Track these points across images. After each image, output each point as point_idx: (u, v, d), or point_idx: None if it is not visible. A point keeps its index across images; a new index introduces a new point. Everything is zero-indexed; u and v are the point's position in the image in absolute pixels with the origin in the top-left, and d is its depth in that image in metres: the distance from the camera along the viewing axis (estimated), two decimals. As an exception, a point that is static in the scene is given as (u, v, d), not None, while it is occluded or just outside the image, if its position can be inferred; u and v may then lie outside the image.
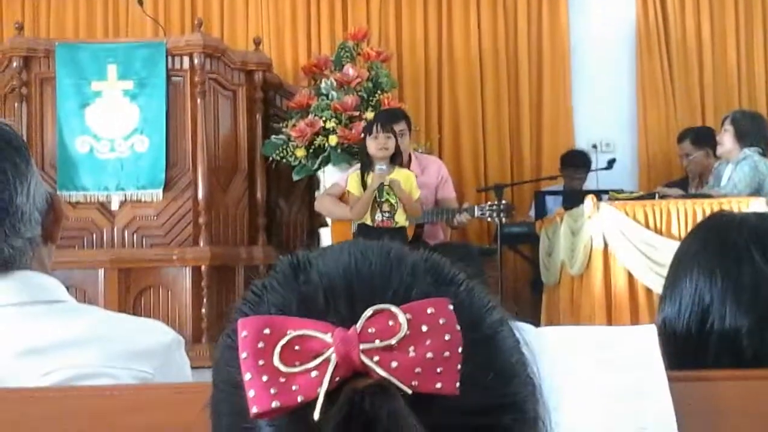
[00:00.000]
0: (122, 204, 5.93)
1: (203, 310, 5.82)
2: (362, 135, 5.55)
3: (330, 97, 6.35)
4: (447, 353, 0.65)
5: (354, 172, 5.56)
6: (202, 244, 5.90)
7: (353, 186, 5.46)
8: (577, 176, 7.16)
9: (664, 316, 1.55)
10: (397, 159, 5.43)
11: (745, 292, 1.48)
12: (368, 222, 5.36)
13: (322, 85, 6.45)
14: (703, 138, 6.68)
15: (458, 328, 0.66)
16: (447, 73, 7.74)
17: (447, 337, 0.65)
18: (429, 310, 0.66)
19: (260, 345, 0.66)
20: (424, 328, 0.65)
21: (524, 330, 1.29)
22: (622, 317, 5.03)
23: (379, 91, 6.45)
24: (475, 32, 7.75)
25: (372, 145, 5.34)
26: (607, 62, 7.85)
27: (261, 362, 0.65)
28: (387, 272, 0.71)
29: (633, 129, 7.83)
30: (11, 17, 7.28)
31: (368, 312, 0.66)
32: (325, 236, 6.17)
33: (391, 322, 0.66)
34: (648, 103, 7.77)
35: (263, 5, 7.67)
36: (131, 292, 5.85)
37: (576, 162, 7.20)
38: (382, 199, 5.32)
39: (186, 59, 6.01)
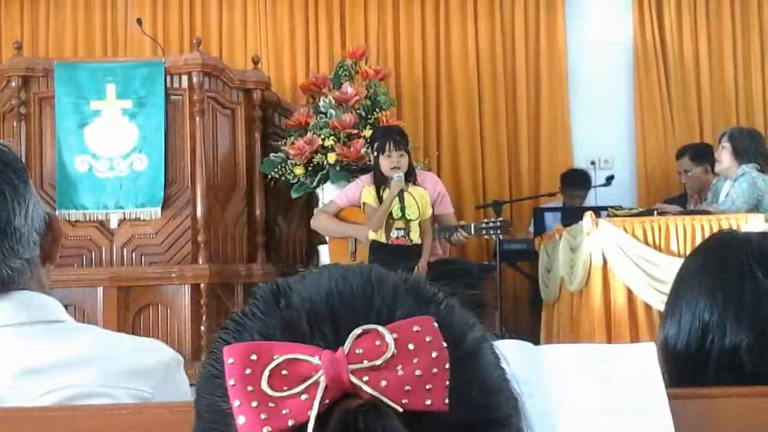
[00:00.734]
0: (121, 222, 5.93)
1: (202, 328, 5.81)
2: (375, 153, 5.56)
3: (328, 115, 6.36)
4: (435, 370, 0.65)
5: (369, 186, 5.55)
6: (201, 261, 5.90)
7: (370, 198, 5.45)
8: (577, 194, 7.18)
9: (665, 334, 1.56)
10: (410, 177, 5.45)
11: (746, 309, 1.48)
12: (382, 240, 5.35)
13: (321, 103, 6.46)
14: (702, 154, 6.69)
15: (444, 345, 0.66)
16: (445, 90, 7.76)
17: (434, 354, 0.66)
18: (415, 329, 0.67)
19: (248, 371, 0.65)
20: (411, 347, 0.66)
21: (522, 346, 1.29)
22: (622, 333, 5.02)
23: (377, 109, 6.46)
24: (473, 50, 7.78)
25: (385, 164, 5.37)
26: (605, 79, 7.88)
27: (249, 388, 0.65)
28: (369, 294, 0.71)
29: (631, 146, 7.85)
30: (10, 37, 7.30)
31: (357, 331, 0.66)
32: (324, 254, 6.16)
33: (377, 342, 0.66)
34: (646, 120, 7.79)
35: (262, 24, 7.69)
36: (130, 310, 5.85)
37: (576, 181, 7.23)
38: (399, 216, 5.32)
39: (185, 78, 6.02)
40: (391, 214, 5.32)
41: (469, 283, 5.83)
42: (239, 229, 6.33)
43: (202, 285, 5.83)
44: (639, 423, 1.24)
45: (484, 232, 5.78)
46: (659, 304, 4.97)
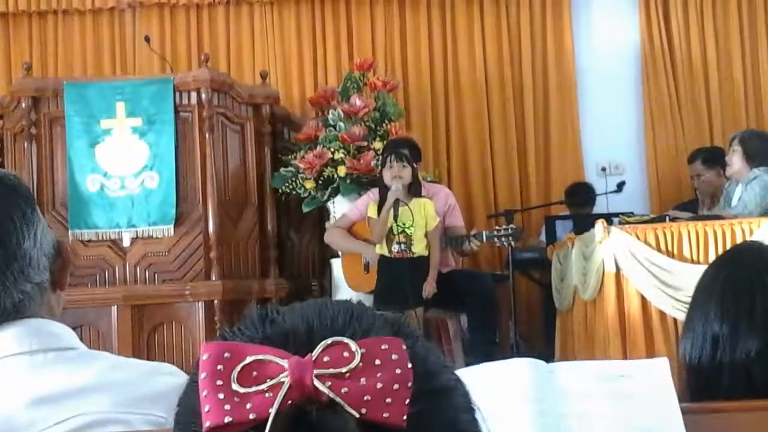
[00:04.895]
0: (134, 240, 5.94)
1: (217, 345, 5.80)
2: (380, 168, 5.59)
3: (337, 128, 6.37)
4: (396, 386, 0.68)
5: (373, 201, 5.59)
6: (214, 278, 5.90)
7: (373, 212, 5.50)
8: (583, 211, 7.16)
9: (682, 347, 1.56)
10: (413, 188, 5.44)
11: (757, 319, 1.48)
12: (386, 253, 5.36)
13: (330, 116, 6.47)
14: (714, 158, 6.68)
15: (410, 366, 0.69)
16: (453, 100, 7.76)
17: (398, 371, 0.68)
18: (383, 347, 0.70)
19: (219, 367, 0.69)
20: (377, 362, 0.69)
21: (534, 365, 1.29)
22: (637, 341, 5.00)
23: (386, 121, 6.47)
24: (480, 59, 7.78)
25: (387, 175, 5.38)
26: (614, 84, 7.87)
27: (219, 382, 0.68)
28: (347, 320, 0.74)
29: (641, 150, 7.84)
30: (19, 58, 7.34)
31: (327, 342, 0.70)
32: (337, 267, 6.16)
33: (345, 354, 0.69)
34: (656, 125, 7.78)
35: (269, 39, 7.72)
36: (145, 329, 5.85)
37: (579, 197, 7.21)
38: (399, 231, 5.30)
39: (194, 95, 6.03)
40: (391, 228, 5.32)
41: (482, 293, 5.82)
42: (251, 245, 6.34)
43: (215, 301, 5.83)
44: (653, 439, 1.23)
45: (496, 239, 5.77)
46: (673, 311, 4.95)
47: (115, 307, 5.81)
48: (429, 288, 5.33)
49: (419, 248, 5.35)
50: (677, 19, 7.89)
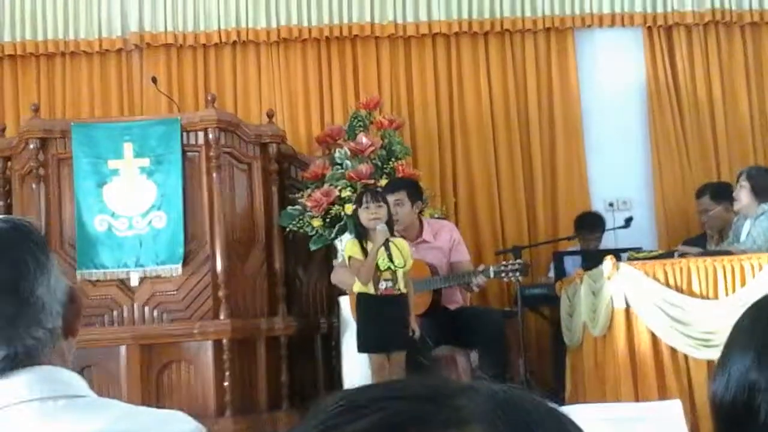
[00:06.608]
0: (142, 280, 5.94)
1: (226, 384, 5.79)
2: (354, 207, 5.51)
3: (344, 166, 6.38)
4: None
5: (350, 239, 5.46)
6: (222, 317, 5.89)
7: (354, 250, 5.29)
8: (592, 238, 7.16)
9: (714, 387, 1.53)
10: (388, 227, 5.35)
11: None
12: (371, 291, 5.25)
13: (336, 154, 6.49)
14: (722, 193, 6.67)
15: None
16: (460, 137, 7.78)
17: None
18: None
19: None
20: None
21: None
22: (648, 378, 4.97)
23: (392, 159, 6.48)
24: (486, 96, 7.81)
25: (363, 215, 5.26)
26: (620, 121, 7.89)
27: None
28: None
29: (649, 186, 7.84)
30: (27, 99, 7.38)
31: None
32: (345, 305, 6.15)
33: None
34: (662, 160, 7.79)
35: (275, 78, 7.76)
36: (153, 369, 5.83)
37: (590, 225, 7.21)
38: (385, 268, 5.23)
39: (201, 134, 6.05)
40: (377, 265, 5.21)
41: (491, 330, 5.81)
42: (259, 283, 6.33)
43: (224, 340, 5.81)
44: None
45: (503, 275, 5.76)
46: (684, 347, 4.92)
47: (124, 347, 5.79)
48: (416, 326, 5.27)
49: (402, 285, 5.28)
50: (682, 55, 7.92)
